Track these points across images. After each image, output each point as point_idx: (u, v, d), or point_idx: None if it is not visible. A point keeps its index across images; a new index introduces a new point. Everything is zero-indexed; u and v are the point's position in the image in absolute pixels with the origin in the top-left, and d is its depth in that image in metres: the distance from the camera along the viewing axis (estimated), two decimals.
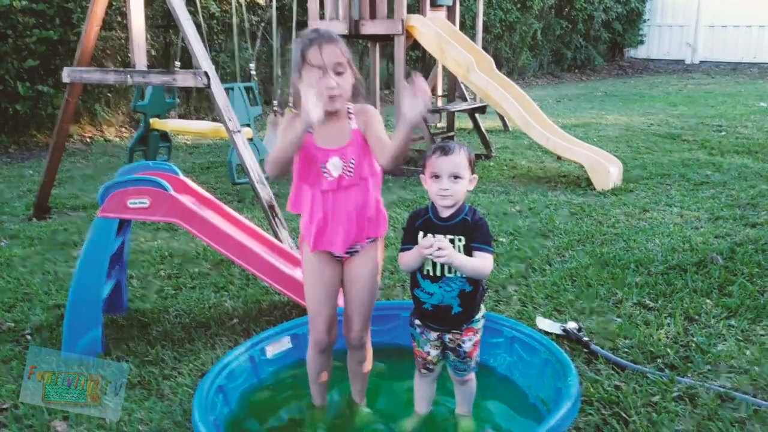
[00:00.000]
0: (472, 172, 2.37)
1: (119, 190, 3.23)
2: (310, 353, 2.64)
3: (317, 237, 2.48)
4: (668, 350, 3.10)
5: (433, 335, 2.46)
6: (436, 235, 2.30)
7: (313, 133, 2.42)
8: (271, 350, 3.03)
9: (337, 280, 2.58)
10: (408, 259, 2.38)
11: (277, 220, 4.14)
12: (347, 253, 2.53)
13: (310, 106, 2.21)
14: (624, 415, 2.62)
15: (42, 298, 3.95)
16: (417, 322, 2.49)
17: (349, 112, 2.49)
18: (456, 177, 2.31)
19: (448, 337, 2.45)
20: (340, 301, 2.63)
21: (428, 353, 2.50)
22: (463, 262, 2.28)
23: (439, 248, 2.22)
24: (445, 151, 2.33)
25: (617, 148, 8.03)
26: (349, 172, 2.44)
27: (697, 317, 3.46)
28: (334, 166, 2.43)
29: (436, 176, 2.32)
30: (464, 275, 2.34)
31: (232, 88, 6.28)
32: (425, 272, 2.38)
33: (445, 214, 2.36)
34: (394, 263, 4.33)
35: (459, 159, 2.31)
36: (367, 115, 2.49)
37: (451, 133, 8.62)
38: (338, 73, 2.36)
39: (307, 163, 2.45)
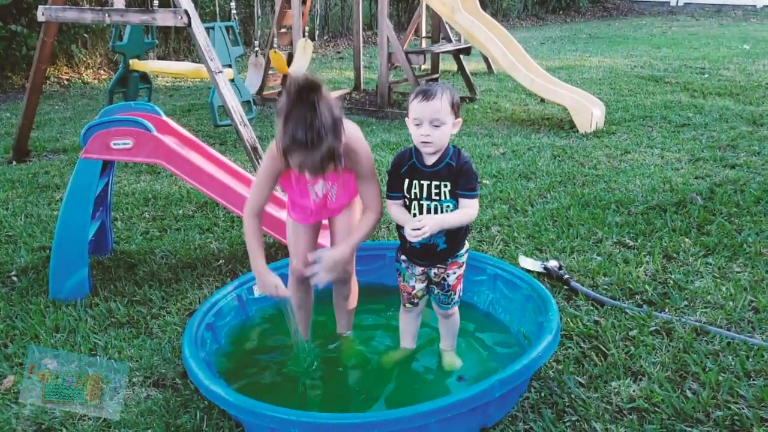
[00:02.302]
0: (457, 115, 2.32)
1: (102, 131, 3.20)
2: (290, 281, 2.69)
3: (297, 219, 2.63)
4: (647, 287, 3.18)
5: (419, 269, 2.51)
6: (420, 218, 2.29)
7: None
8: (258, 289, 3.06)
9: (317, 229, 2.68)
10: (396, 217, 2.41)
11: (260, 161, 4.12)
12: None
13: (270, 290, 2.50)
14: (603, 348, 2.71)
15: (26, 241, 3.94)
16: (403, 257, 2.53)
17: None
18: (437, 123, 2.26)
19: (433, 271, 2.49)
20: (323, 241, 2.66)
21: (413, 287, 2.55)
22: (453, 221, 2.31)
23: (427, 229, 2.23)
24: (426, 95, 2.26)
25: (600, 91, 8.03)
26: (332, 197, 2.51)
27: (675, 255, 3.53)
28: (319, 188, 2.49)
29: (418, 121, 2.29)
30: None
31: (213, 28, 6.16)
32: (413, 215, 2.39)
33: (429, 161, 2.35)
34: None
35: (440, 104, 2.24)
36: (355, 157, 2.40)
37: (435, 75, 8.55)
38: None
39: (291, 180, 2.49)
